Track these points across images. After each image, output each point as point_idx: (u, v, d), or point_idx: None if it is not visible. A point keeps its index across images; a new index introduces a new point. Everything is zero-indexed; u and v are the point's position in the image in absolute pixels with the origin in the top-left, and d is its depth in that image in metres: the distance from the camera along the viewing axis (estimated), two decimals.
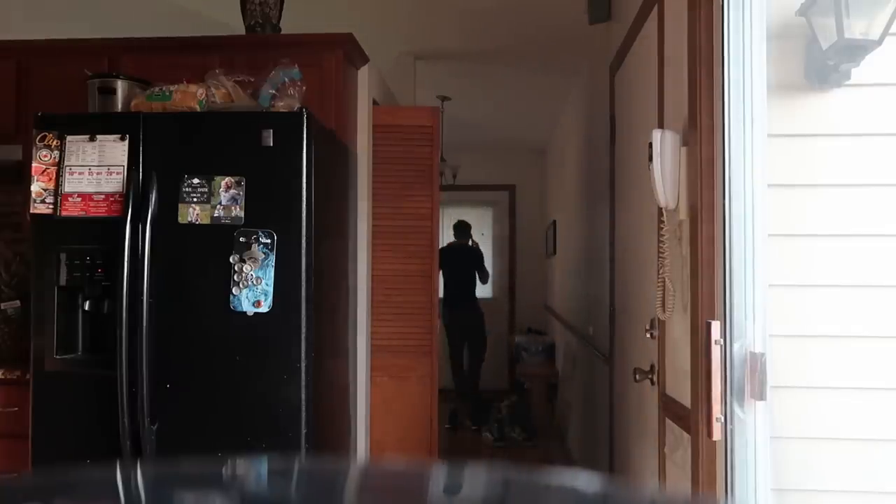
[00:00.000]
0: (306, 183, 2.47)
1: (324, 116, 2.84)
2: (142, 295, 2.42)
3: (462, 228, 6.64)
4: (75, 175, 2.52)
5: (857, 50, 1.64)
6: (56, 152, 2.53)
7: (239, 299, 2.43)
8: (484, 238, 8.11)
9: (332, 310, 2.89)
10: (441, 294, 5.14)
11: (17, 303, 3.21)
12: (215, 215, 2.46)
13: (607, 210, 3.44)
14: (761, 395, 1.53)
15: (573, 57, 4.58)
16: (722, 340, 1.57)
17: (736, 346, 1.56)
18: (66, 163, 2.52)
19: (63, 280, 2.52)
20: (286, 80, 2.65)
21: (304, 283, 2.45)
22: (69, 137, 2.53)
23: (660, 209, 2.09)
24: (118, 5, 3.78)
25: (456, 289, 6.28)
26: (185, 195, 2.47)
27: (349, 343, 3.26)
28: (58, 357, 2.53)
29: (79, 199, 2.51)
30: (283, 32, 3.24)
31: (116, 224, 2.45)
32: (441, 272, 5.31)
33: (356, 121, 3.41)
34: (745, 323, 1.56)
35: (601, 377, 3.68)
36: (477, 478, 0.70)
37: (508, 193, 8.08)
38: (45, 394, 2.54)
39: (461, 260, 6.40)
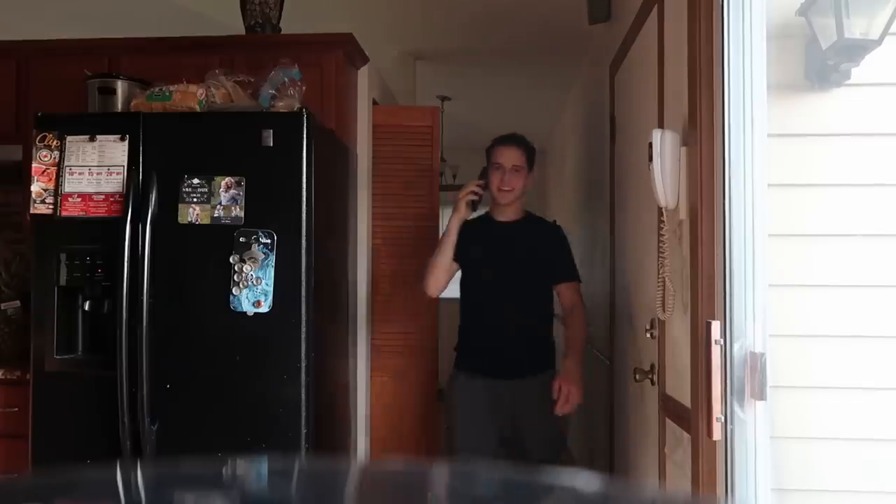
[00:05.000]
0: (306, 183, 2.47)
1: (324, 116, 2.85)
2: (142, 295, 2.42)
3: (519, 150, 2.85)
4: (75, 175, 2.52)
5: (857, 50, 1.64)
6: (56, 152, 2.53)
7: (239, 299, 2.43)
8: None
9: (332, 310, 2.89)
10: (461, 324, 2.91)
11: (17, 303, 3.21)
12: (215, 215, 2.46)
13: (607, 210, 3.44)
14: (761, 395, 1.53)
15: (573, 57, 4.58)
16: (722, 340, 1.57)
17: (736, 346, 1.55)
18: (66, 163, 2.52)
19: (63, 280, 2.52)
20: (286, 80, 2.65)
21: (304, 283, 2.45)
22: (69, 137, 2.53)
23: (660, 209, 2.09)
24: (118, 5, 3.77)
25: (494, 322, 2.85)
26: (185, 195, 2.47)
27: (349, 343, 3.26)
28: (58, 357, 2.53)
29: (79, 200, 2.51)
30: (283, 32, 3.24)
31: (116, 224, 2.45)
32: (462, 277, 2.88)
33: (356, 121, 3.41)
34: (745, 323, 1.56)
35: (601, 377, 3.68)
36: (477, 478, 0.70)
37: None
38: (45, 394, 2.54)
39: (510, 250, 2.87)
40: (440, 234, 3.05)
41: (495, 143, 2.89)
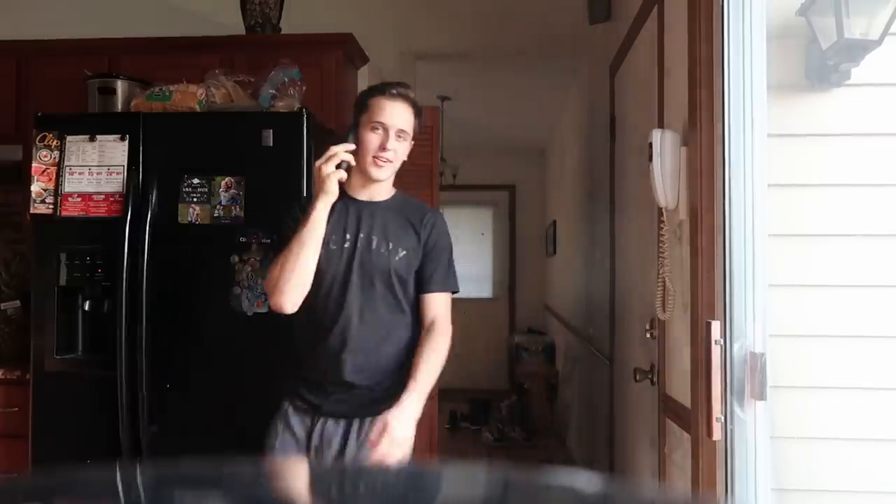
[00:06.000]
0: (306, 183, 2.47)
1: (324, 116, 2.84)
2: (142, 295, 2.42)
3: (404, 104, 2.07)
4: (75, 175, 2.52)
5: (857, 50, 1.64)
6: (56, 152, 2.53)
7: (239, 299, 2.43)
8: (484, 238, 8.10)
9: None
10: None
11: (17, 303, 3.21)
12: (215, 215, 2.46)
13: (607, 210, 3.44)
14: (761, 395, 1.53)
15: (573, 57, 4.58)
16: (722, 340, 1.57)
17: (736, 346, 1.56)
18: (66, 163, 2.52)
19: (63, 280, 2.52)
20: (286, 80, 2.65)
21: None
22: (69, 137, 2.53)
23: (660, 209, 2.09)
24: (118, 5, 3.78)
25: (342, 339, 2.04)
26: (185, 195, 2.47)
27: None
28: (58, 357, 2.53)
29: (79, 199, 2.51)
30: (283, 32, 3.24)
31: (116, 224, 2.45)
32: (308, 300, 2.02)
33: None
34: (745, 323, 1.56)
35: (601, 377, 3.68)
36: (477, 478, 0.70)
37: (508, 193, 8.09)
38: (45, 394, 2.54)
39: (373, 240, 2.07)
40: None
41: (376, 94, 2.05)
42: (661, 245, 2.13)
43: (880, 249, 1.73)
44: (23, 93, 3.10)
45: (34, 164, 2.53)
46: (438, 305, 2.09)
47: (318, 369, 2.06)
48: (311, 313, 2.05)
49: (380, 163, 2.01)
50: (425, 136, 3.65)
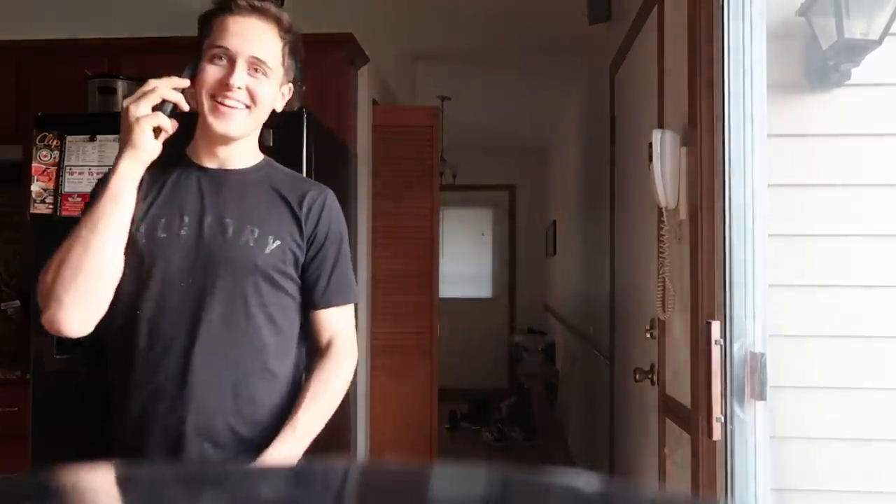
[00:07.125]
0: None
1: (324, 116, 2.85)
2: None
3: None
4: (75, 175, 2.52)
5: (857, 50, 1.64)
6: (56, 152, 2.53)
7: None
8: (484, 238, 8.11)
9: None
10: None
11: (17, 303, 3.21)
12: None
13: (607, 210, 3.44)
14: (761, 395, 1.53)
15: (573, 57, 4.58)
16: (722, 340, 1.57)
17: (736, 346, 1.56)
18: (66, 163, 2.52)
19: None
20: None
21: None
22: (69, 137, 2.53)
23: (660, 209, 2.09)
24: (118, 5, 3.78)
25: (179, 383, 1.35)
26: None
27: None
28: (58, 357, 2.53)
29: (79, 199, 2.51)
30: None
31: None
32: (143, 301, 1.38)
33: (356, 121, 3.41)
34: (745, 323, 1.56)
35: (601, 377, 3.68)
36: (476, 478, 0.71)
37: (508, 193, 8.09)
38: (45, 394, 2.54)
39: (225, 230, 1.39)
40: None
41: (222, 10, 1.41)
42: (661, 245, 2.13)
43: (880, 249, 1.73)
44: (23, 93, 3.10)
45: (34, 164, 2.53)
46: (338, 322, 1.51)
47: (142, 427, 1.36)
48: (127, 339, 1.38)
49: (223, 107, 1.37)
50: (425, 136, 3.66)
